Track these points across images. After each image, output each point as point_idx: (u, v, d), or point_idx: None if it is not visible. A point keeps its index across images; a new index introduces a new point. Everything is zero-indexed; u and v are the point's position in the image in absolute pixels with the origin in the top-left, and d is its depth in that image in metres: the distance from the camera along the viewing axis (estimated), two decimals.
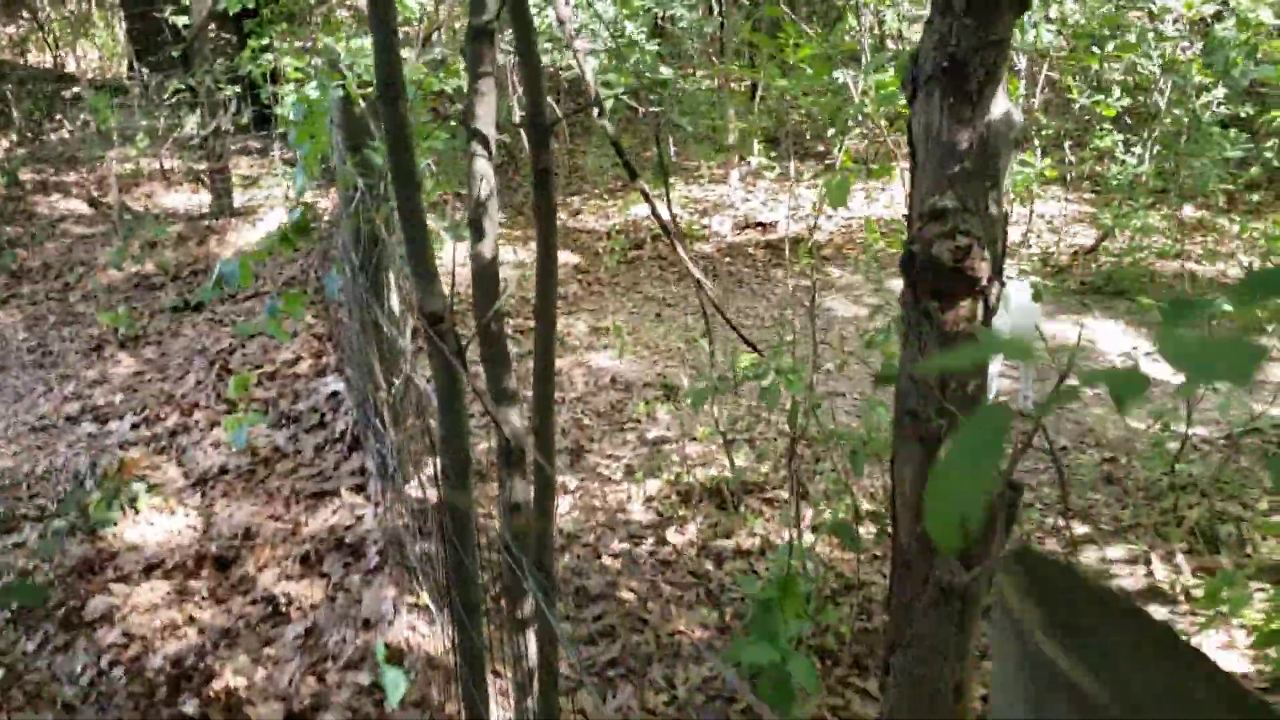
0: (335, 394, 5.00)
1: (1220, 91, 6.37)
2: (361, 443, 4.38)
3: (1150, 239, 7.36)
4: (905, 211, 2.22)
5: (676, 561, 3.65)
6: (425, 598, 3.32)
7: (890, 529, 2.32)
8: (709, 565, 3.61)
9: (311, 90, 3.91)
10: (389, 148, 1.66)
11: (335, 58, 3.22)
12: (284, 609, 3.50)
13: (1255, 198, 7.17)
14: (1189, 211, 7.74)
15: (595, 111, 2.36)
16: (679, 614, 3.34)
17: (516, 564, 2.23)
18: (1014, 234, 8.17)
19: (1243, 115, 6.49)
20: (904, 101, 2.69)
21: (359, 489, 4.16)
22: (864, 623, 3.28)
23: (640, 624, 3.31)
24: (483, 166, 2.29)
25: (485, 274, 2.31)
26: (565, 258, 8.17)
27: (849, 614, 3.25)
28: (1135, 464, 4.45)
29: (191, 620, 3.46)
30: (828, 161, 10.06)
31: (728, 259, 8.16)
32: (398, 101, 1.65)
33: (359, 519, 3.94)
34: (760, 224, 9.14)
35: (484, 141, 2.28)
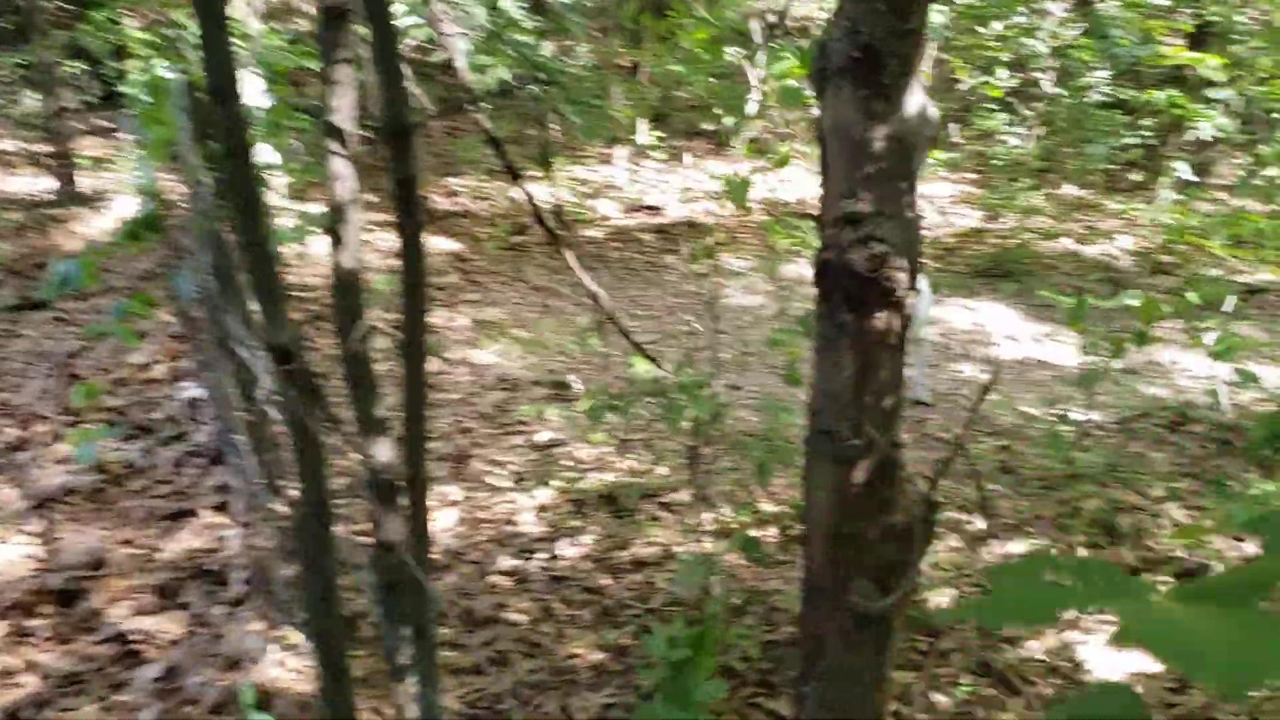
0: (195, 401, 4.63)
1: (1105, 73, 6.40)
2: (224, 456, 4.03)
3: (1034, 220, 7.41)
4: (817, 213, 2.05)
5: (570, 577, 3.43)
6: (295, 634, 3.03)
7: (801, 544, 2.16)
8: (605, 580, 3.40)
9: (160, 71, 3.55)
10: (225, 156, 1.39)
11: (176, 37, 2.88)
12: (138, 648, 3.16)
13: (1135, 177, 7.28)
14: (1072, 191, 7.83)
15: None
16: (574, 636, 3.13)
17: (388, 610, 1.98)
18: None
19: (1122, 98, 6.55)
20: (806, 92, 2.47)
21: (221, 508, 3.82)
22: (769, 634, 3.12)
23: (533, 649, 3.09)
24: (341, 167, 2.01)
25: (347, 289, 2.04)
26: (444, 245, 7.83)
27: (754, 627, 3.08)
28: (1030, 452, 4.40)
29: (30, 665, 3.10)
30: (726, 153, 9.90)
31: (617, 244, 7.95)
32: (232, 103, 1.38)
33: (222, 542, 3.61)
34: (649, 207, 8.94)
35: (341, 137, 2.01)
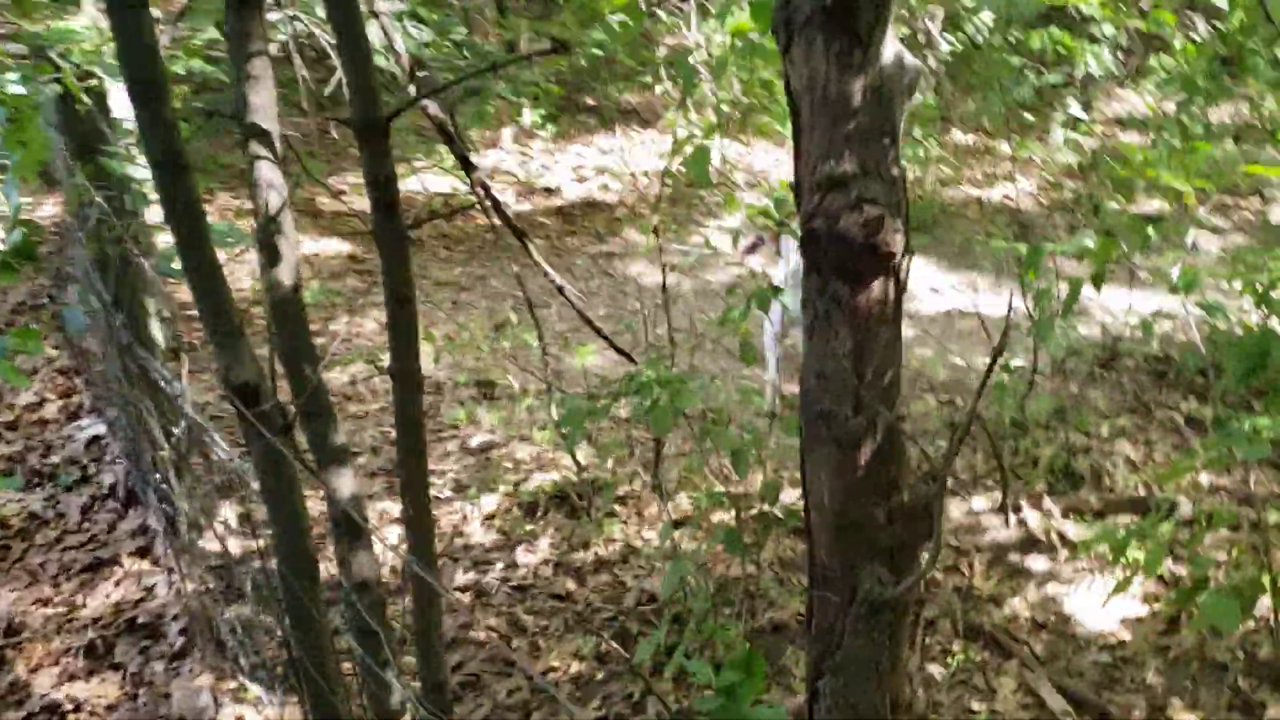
0: (96, 439, 4.29)
1: (988, 15, 6.42)
2: (139, 496, 3.73)
3: (935, 170, 7.44)
4: (792, 179, 1.91)
5: (533, 586, 3.26)
6: (253, 688, 2.79)
7: (804, 535, 2.04)
8: (570, 584, 3.24)
9: (13, 85, 3.23)
10: (157, 175, 1.19)
11: (40, 44, 2.58)
12: (74, 718, 2.89)
13: (1027, 118, 7.34)
14: (965, 138, 7.88)
15: (411, 89, 1.92)
16: (548, 648, 2.96)
17: (372, 652, 1.79)
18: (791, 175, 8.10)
19: (1013, 40, 6.59)
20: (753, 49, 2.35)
21: (144, 553, 3.53)
22: (751, 622, 3.00)
23: (507, 667, 2.91)
24: (268, 172, 1.79)
25: (288, 307, 1.83)
26: (336, 247, 7.51)
27: (736, 617, 2.95)
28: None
29: None
30: (613, 128, 9.69)
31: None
32: (162, 108, 1.16)
33: (150, 590, 3.33)
34: (545, 189, 8.72)
35: (266, 139, 1.79)
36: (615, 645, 2.84)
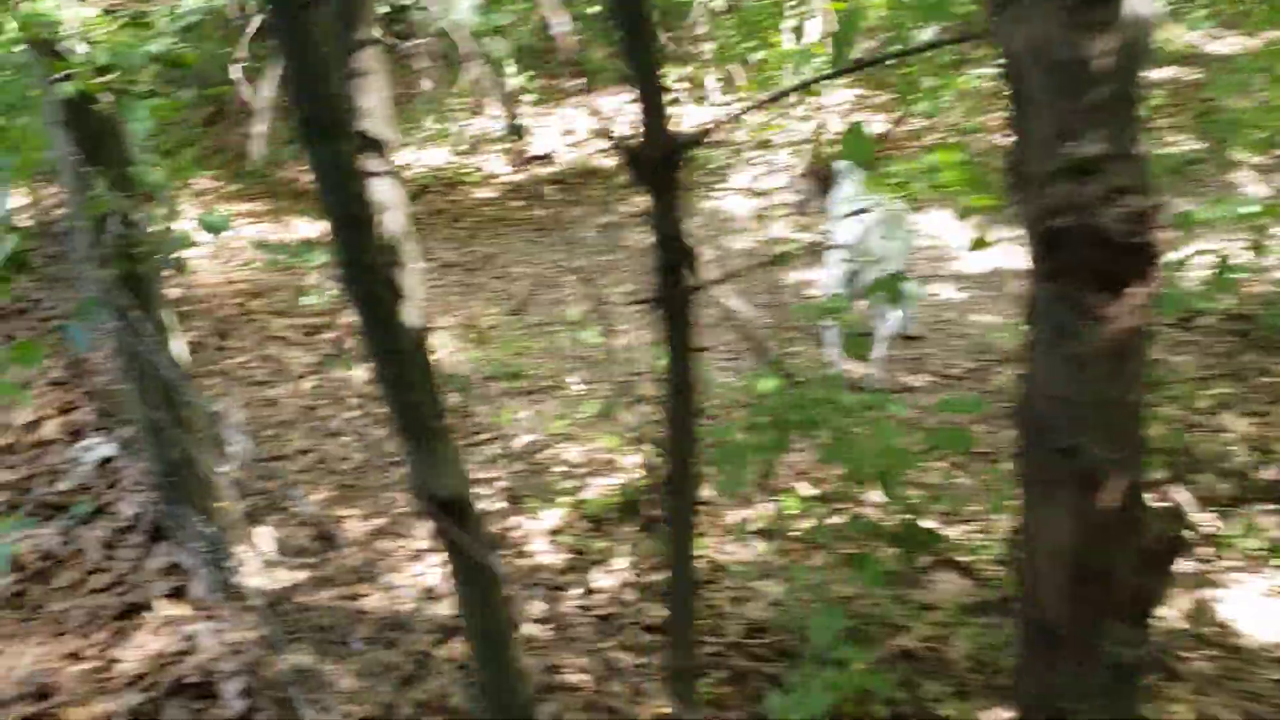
0: (107, 460, 3.92)
1: None
2: (165, 529, 3.37)
3: (944, 117, 7.14)
4: (1011, 165, 1.59)
5: (619, 615, 2.94)
6: None
7: (1019, 584, 1.74)
8: (660, 612, 2.93)
9: None
10: (339, 232, 0.84)
11: (47, 33, 2.19)
12: None
13: None
14: (979, 81, 7.56)
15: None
16: (654, 692, 2.65)
17: None
18: (806, 128, 7.77)
19: None
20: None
21: (178, 594, 3.18)
22: (874, 650, 2.69)
23: (610, 716, 2.60)
24: (387, 191, 1.45)
25: (415, 352, 1.49)
26: (316, 229, 7.10)
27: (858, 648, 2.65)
28: None
29: None
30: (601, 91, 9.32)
31: (517, 203, 7.34)
32: (344, 146, 0.82)
33: (191, 640, 2.98)
34: (538, 156, 8.34)
35: (380, 151, 1.44)
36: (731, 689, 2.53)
